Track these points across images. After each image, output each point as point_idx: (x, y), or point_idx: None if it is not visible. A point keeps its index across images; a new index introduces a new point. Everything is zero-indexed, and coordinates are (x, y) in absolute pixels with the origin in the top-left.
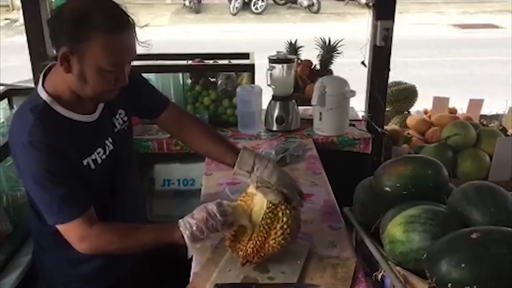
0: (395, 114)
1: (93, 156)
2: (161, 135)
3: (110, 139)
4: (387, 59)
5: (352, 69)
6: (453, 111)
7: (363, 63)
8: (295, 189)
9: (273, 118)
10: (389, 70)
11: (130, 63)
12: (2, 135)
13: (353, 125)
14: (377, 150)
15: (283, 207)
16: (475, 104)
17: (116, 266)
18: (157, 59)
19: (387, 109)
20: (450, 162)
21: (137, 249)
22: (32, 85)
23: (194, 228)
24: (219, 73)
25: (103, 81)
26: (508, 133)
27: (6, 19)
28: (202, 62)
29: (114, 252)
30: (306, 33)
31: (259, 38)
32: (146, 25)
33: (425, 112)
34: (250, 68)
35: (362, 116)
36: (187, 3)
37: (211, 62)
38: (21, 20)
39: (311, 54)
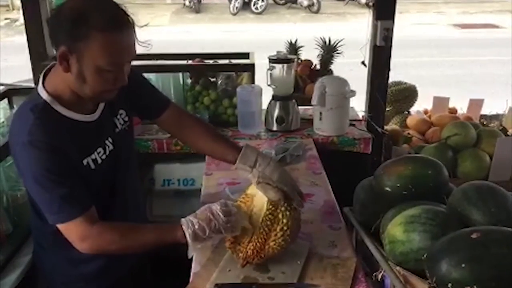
0: (395, 114)
1: (93, 156)
2: (161, 135)
3: (110, 139)
4: (387, 59)
5: (352, 69)
6: (453, 111)
7: (363, 63)
8: (296, 189)
9: (273, 118)
10: (389, 70)
11: (130, 62)
12: (2, 135)
13: (353, 125)
14: (377, 150)
15: (282, 208)
16: (475, 104)
17: (116, 266)
18: (157, 59)
19: (387, 109)
20: (450, 162)
21: (139, 249)
22: (32, 85)
23: (197, 226)
24: (219, 73)
25: (102, 80)
26: (508, 133)
27: (6, 18)
28: (202, 62)
29: (115, 252)
30: (306, 33)
31: (259, 38)
32: (145, 25)
33: (425, 112)
34: (250, 68)
35: (362, 116)
36: (187, 3)
37: (211, 62)
38: (21, 20)
39: (311, 54)
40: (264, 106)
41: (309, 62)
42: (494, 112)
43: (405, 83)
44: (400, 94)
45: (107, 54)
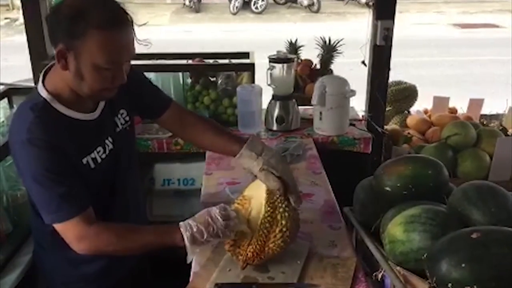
0: (395, 114)
1: (92, 155)
2: (161, 135)
3: (110, 139)
4: (387, 59)
5: (352, 68)
6: (453, 110)
7: (363, 62)
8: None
9: (273, 117)
10: (389, 69)
11: (129, 61)
12: (2, 135)
13: (353, 125)
14: (377, 150)
15: (281, 209)
16: (475, 104)
17: (117, 267)
18: (157, 59)
19: (387, 108)
20: (450, 162)
21: (137, 251)
22: (32, 84)
23: (195, 229)
24: (219, 73)
25: (100, 78)
26: (508, 133)
27: (6, 18)
28: (202, 61)
29: (113, 253)
30: (306, 32)
31: (259, 38)
32: (145, 24)
33: (425, 111)
34: (250, 68)
35: (362, 116)
36: (187, 2)
37: (211, 61)
38: (21, 20)
39: (311, 53)
40: (264, 105)
41: (309, 62)
42: (494, 112)
43: (405, 82)
44: (400, 93)
45: (105, 52)
